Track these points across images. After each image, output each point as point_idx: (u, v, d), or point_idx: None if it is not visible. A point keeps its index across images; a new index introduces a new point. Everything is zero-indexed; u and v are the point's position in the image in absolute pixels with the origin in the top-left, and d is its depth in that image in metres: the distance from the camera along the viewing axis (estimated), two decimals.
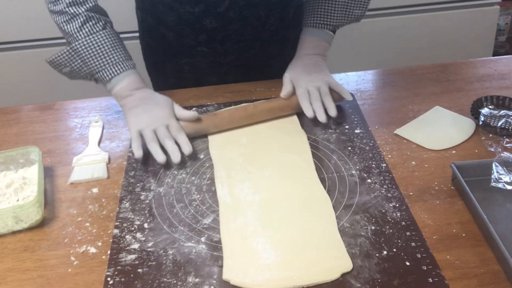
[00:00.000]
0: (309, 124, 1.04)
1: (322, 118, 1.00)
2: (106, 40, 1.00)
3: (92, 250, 0.79)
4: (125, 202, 0.88)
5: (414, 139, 0.98)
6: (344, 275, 0.72)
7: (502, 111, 1.03)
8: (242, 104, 1.07)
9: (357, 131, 1.02)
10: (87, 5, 1.00)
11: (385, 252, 0.75)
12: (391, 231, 0.79)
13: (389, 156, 0.95)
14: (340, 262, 0.73)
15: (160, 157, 0.93)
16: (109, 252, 0.78)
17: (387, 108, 1.09)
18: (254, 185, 0.88)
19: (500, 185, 0.84)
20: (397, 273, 0.72)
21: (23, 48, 1.97)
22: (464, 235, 0.78)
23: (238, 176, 0.90)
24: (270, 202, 0.84)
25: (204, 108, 1.11)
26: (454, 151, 0.95)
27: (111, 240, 0.80)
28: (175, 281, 0.72)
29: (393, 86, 1.17)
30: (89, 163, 0.97)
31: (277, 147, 0.98)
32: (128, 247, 0.79)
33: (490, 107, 1.05)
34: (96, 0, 1.02)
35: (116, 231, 0.82)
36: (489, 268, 0.72)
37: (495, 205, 0.83)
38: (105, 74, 1.01)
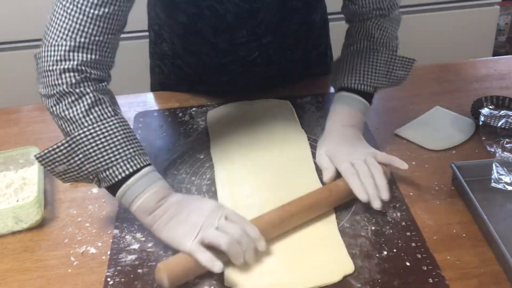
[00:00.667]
0: (309, 124, 1.04)
1: (377, 205, 0.80)
2: (119, 129, 0.77)
3: (92, 250, 0.79)
4: None
5: (414, 139, 0.98)
6: (344, 276, 0.71)
7: (502, 111, 1.03)
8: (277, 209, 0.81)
9: None
10: (99, 83, 0.82)
11: (385, 253, 0.75)
12: (391, 231, 0.79)
13: None
14: (341, 264, 0.73)
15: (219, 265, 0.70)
16: (109, 252, 0.78)
17: (387, 108, 1.09)
18: (254, 186, 0.88)
19: (500, 186, 0.84)
20: (397, 274, 0.72)
21: (23, 48, 1.97)
22: (464, 235, 0.78)
23: (239, 177, 0.90)
24: (270, 204, 0.83)
25: (204, 108, 1.11)
26: (454, 151, 0.95)
27: (111, 240, 0.80)
28: None
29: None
30: None
31: (277, 147, 0.97)
32: (128, 247, 0.79)
33: (490, 107, 1.05)
34: (110, 67, 0.87)
35: (116, 231, 0.82)
36: (489, 269, 0.72)
37: (495, 205, 0.83)
38: (116, 172, 0.76)
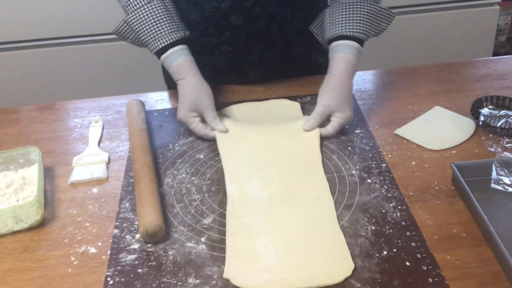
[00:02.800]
0: None
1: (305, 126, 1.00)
2: (150, 14, 1.01)
3: (92, 250, 0.79)
4: (125, 202, 0.88)
5: (414, 139, 0.98)
6: (346, 278, 0.71)
7: (502, 111, 1.03)
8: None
9: (357, 131, 1.02)
10: None
11: (385, 252, 0.75)
12: (391, 231, 0.79)
13: (389, 156, 0.95)
14: (343, 265, 0.73)
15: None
16: (109, 252, 0.78)
17: (387, 108, 1.09)
18: (262, 181, 0.88)
19: (500, 187, 0.84)
20: (397, 273, 0.72)
21: (23, 48, 1.97)
22: (464, 235, 0.78)
23: (247, 172, 0.90)
24: (277, 200, 0.84)
25: None
26: (454, 151, 0.95)
27: (111, 240, 0.80)
28: (175, 281, 0.72)
29: (393, 86, 1.17)
30: (89, 163, 0.97)
31: (285, 143, 0.98)
32: (128, 247, 0.79)
33: (490, 107, 1.05)
34: None
35: (116, 231, 0.82)
36: (489, 268, 0.72)
37: (495, 205, 0.83)
38: (151, 48, 1.03)
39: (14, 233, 0.83)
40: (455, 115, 1.05)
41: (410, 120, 1.04)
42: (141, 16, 1.02)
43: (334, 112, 0.99)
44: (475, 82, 1.17)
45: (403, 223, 0.80)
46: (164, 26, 1.02)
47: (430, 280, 0.70)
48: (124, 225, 0.83)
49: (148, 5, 1.02)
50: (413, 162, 0.93)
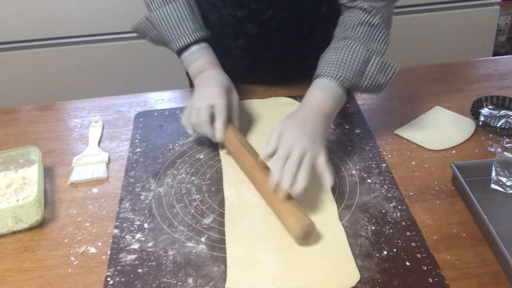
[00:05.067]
0: None
1: (279, 196, 0.79)
2: (174, 12, 1.01)
3: (92, 250, 0.79)
4: (125, 202, 0.88)
5: (414, 139, 0.98)
6: None
7: (502, 111, 1.03)
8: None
9: (357, 131, 1.02)
10: None
11: (385, 252, 0.75)
12: (391, 231, 0.79)
13: (389, 156, 0.95)
14: (347, 274, 0.71)
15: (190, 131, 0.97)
16: (109, 252, 0.78)
17: (387, 108, 1.09)
18: None
19: (500, 188, 0.84)
20: (397, 273, 0.72)
21: (23, 48, 1.97)
22: (464, 235, 0.78)
23: (246, 176, 0.90)
24: None
25: None
26: (454, 151, 0.95)
27: (111, 240, 0.80)
28: (175, 281, 0.72)
29: (393, 86, 1.16)
30: (89, 163, 0.97)
31: None
32: (128, 247, 0.79)
33: (490, 107, 1.05)
34: None
35: (116, 231, 0.82)
36: (489, 268, 0.72)
37: (495, 205, 0.83)
38: (173, 47, 1.03)
39: (14, 233, 0.83)
40: (455, 115, 1.05)
41: (410, 120, 1.04)
42: (165, 13, 1.02)
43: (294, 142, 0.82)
44: (475, 82, 1.17)
45: (403, 223, 0.80)
46: (188, 25, 1.02)
47: (430, 280, 0.70)
48: (124, 225, 0.83)
49: (173, 3, 1.02)
50: (413, 162, 0.93)
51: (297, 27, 1.10)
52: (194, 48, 1.02)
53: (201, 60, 1.02)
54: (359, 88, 0.94)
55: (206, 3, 1.10)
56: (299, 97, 1.13)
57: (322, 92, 0.91)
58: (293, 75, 1.18)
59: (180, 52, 1.03)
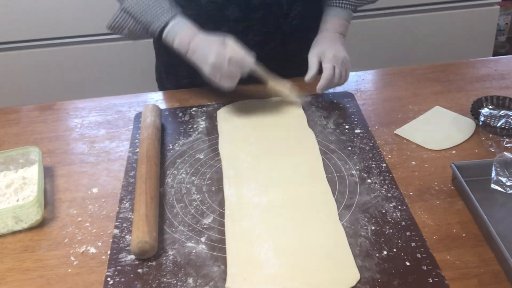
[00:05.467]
0: (309, 124, 1.04)
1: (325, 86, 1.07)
2: None
3: (92, 250, 0.79)
4: (125, 202, 0.88)
5: (414, 139, 0.98)
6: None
7: (502, 111, 1.03)
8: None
9: (357, 131, 1.02)
10: None
11: (385, 252, 0.75)
12: (391, 231, 0.79)
13: (389, 156, 0.95)
14: (348, 274, 0.71)
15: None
16: (109, 252, 0.78)
17: (387, 108, 1.09)
18: (261, 186, 0.88)
19: (500, 188, 0.84)
20: (397, 273, 0.72)
21: (23, 48, 1.97)
22: (464, 235, 0.78)
23: (246, 176, 0.90)
24: (277, 204, 0.83)
25: (204, 108, 1.11)
26: (454, 151, 0.95)
27: (111, 240, 0.80)
28: (175, 282, 0.72)
29: (393, 86, 1.17)
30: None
31: (286, 146, 0.98)
32: (128, 247, 0.79)
33: (490, 107, 1.05)
34: None
35: (116, 231, 0.82)
36: (489, 268, 0.72)
37: (495, 205, 0.83)
38: (154, 28, 1.04)
39: (14, 233, 0.83)
40: (455, 115, 1.05)
41: (410, 120, 1.04)
42: None
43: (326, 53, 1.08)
44: (475, 82, 1.17)
45: (403, 223, 0.80)
46: (164, 4, 1.04)
47: (430, 280, 0.70)
48: (124, 225, 0.83)
49: None
50: (413, 162, 0.93)
51: (276, 2, 1.13)
52: (174, 21, 1.04)
53: (187, 26, 1.04)
54: (363, 5, 1.18)
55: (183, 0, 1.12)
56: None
57: (338, 17, 1.16)
58: (275, 66, 1.17)
59: (161, 30, 1.04)
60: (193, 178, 0.92)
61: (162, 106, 1.15)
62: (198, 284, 0.72)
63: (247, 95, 1.15)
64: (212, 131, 1.04)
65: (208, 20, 1.12)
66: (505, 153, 0.92)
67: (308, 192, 0.86)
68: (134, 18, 1.05)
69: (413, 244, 0.76)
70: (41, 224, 0.84)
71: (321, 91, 1.08)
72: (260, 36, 1.16)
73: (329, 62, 1.07)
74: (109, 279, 0.74)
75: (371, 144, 0.98)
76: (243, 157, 0.95)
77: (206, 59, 0.99)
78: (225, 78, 0.99)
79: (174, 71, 1.25)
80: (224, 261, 0.75)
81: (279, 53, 1.20)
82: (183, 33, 1.03)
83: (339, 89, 1.16)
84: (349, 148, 0.97)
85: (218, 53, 0.98)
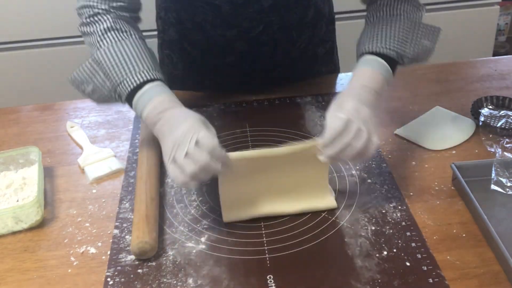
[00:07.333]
0: (309, 124, 1.04)
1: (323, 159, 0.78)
2: (130, 48, 0.87)
3: (92, 250, 0.79)
4: (125, 202, 0.88)
5: (414, 139, 0.98)
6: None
7: (502, 111, 1.03)
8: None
9: None
10: (115, 13, 0.90)
11: (385, 253, 0.75)
12: (391, 231, 0.79)
13: (389, 156, 0.95)
14: (327, 201, 0.84)
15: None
16: (109, 252, 0.78)
17: (387, 108, 1.09)
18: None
19: (500, 189, 0.84)
20: (397, 274, 0.72)
21: (23, 48, 1.97)
22: (464, 235, 0.78)
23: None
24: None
25: (204, 109, 1.11)
26: (454, 151, 0.95)
27: (111, 240, 0.80)
28: (175, 282, 0.72)
29: (393, 86, 1.16)
30: (98, 160, 0.97)
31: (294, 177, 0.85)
32: (128, 247, 0.78)
33: (490, 107, 1.05)
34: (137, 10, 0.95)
35: (116, 231, 0.82)
36: (489, 269, 0.72)
37: (495, 205, 0.83)
38: (126, 86, 0.84)
39: (14, 233, 0.83)
40: (455, 115, 1.05)
41: (410, 120, 1.04)
42: (119, 49, 0.86)
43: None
44: (475, 82, 1.17)
45: (403, 223, 0.80)
46: (147, 61, 0.86)
47: (430, 280, 0.70)
48: (124, 225, 0.83)
49: (128, 39, 0.88)
50: (413, 162, 0.93)
51: (286, 35, 1.10)
52: (148, 86, 0.84)
53: (161, 97, 0.82)
54: (409, 57, 0.88)
55: (191, 23, 1.08)
56: (299, 98, 1.13)
57: (372, 68, 0.85)
58: (285, 81, 1.17)
59: (131, 93, 0.84)
60: None
61: None
62: (198, 284, 0.72)
63: (245, 98, 1.14)
64: None
65: (215, 47, 1.10)
66: (505, 153, 0.92)
67: (304, 176, 0.85)
68: (104, 71, 0.86)
69: (413, 244, 0.76)
70: (41, 225, 0.84)
71: (327, 158, 0.77)
72: (268, 63, 1.13)
73: (345, 113, 0.77)
74: (109, 279, 0.74)
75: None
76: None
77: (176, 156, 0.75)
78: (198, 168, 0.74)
79: (180, 84, 1.17)
80: (224, 261, 0.75)
81: (287, 74, 1.17)
82: (156, 102, 0.82)
83: (339, 89, 1.16)
84: None
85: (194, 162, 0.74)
